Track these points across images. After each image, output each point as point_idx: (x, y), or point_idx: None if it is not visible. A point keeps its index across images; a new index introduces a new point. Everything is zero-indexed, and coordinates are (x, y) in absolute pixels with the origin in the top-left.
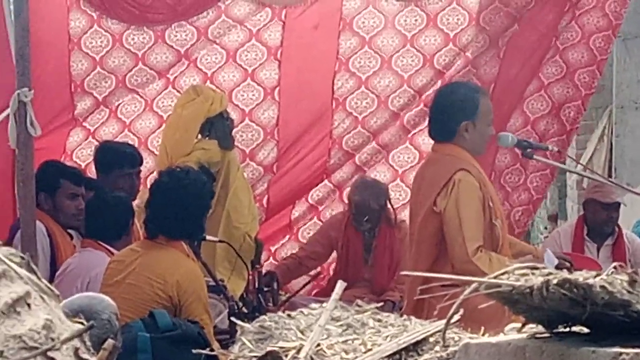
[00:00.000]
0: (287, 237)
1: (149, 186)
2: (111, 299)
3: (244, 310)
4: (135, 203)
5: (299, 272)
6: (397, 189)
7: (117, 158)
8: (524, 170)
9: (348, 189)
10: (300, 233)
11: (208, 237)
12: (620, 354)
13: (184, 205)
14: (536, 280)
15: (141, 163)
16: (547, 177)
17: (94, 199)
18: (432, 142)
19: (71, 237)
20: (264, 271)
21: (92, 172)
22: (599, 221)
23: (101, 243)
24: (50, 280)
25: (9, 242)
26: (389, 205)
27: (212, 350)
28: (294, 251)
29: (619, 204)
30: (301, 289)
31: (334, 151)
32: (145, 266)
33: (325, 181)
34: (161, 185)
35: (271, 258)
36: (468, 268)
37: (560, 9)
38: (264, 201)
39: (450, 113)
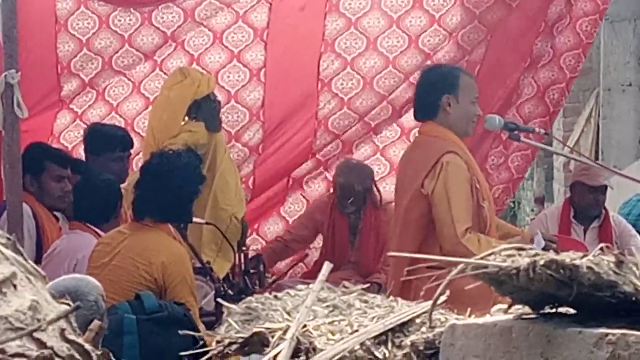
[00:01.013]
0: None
1: (139, 167)
2: (97, 280)
3: (230, 292)
4: (122, 186)
5: (285, 255)
6: (376, 162)
7: (109, 141)
8: (506, 150)
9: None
10: (283, 208)
11: (195, 219)
12: (607, 334)
13: (174, 189)
14: (523, 261)
15: (132, 146)
16: (527, 157)
17: (83, 181)
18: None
19: (57, 219)
20: (250, 254)
21: (79, 155)
22: (586, 204)
23: (89, 225)
24: (36, 262)
25: None
26: (374, 188)
27: (198, 331)
28: (276, 226)
29: (605, 187)
30: (288, 271)
31: (319, 132)
32: (131, 248)
33: (326, 173)
34: (152, 167)
35: (254, 233)
36: (457, 249)
37: None
38: (250, 182)
39: (431, 89)
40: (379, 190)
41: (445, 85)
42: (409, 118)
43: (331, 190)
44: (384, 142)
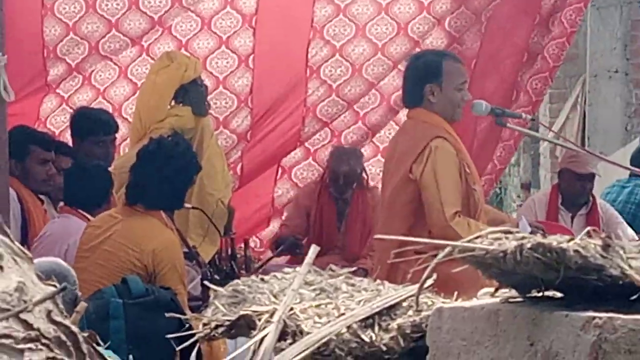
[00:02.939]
0: (277, 220)
1: (136, 152)
2: (86, 263)
3: (217, 277)
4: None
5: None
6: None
7: (91, 125)
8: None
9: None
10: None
11: None
12: (594, 318)
13: (169, 177)
14: (510, 244)
15: (116, 130)
16: (510, 148)
17: (74, 167)
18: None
19: (42, 202)
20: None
21: (66, 139)
22: (573, 191)
23: (80, 211)
24: (22, 245)
25: None
26: (363, 170)
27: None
28: (275, 228)
29: (593, 175)
30: (273, 256)
31: (308, 119)
32: (122, 233)
33: (310, 159)
34: (148, 153)
35: (259, 243)
36: (446, 233)
37: None
38: (238, 169)
39: (415, 78)
40: (366, 172)
41: (428, 74)
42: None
43: (319, 176)
44: (383, 142)
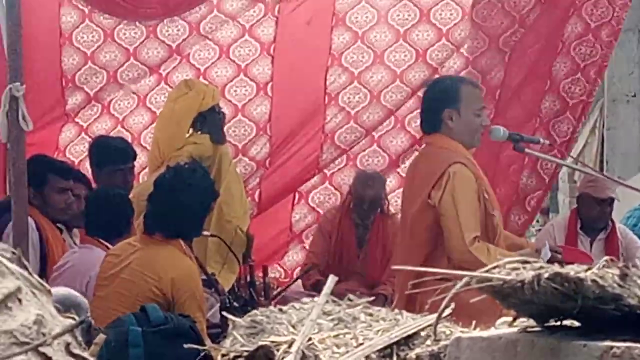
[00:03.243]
0: (294, 245)
1: (154, 181)
2: (105, 292)
3: (235, 304)
4: None
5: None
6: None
7: (109, 154)
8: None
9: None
10: (307, 241)
11: None
12: (612, 347)
13: (187, 206)
14: (527, 274)
15: (134, 158)
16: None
17: (95, 195)
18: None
19: (61, 231)
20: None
21: (85, 168)
22: (593, 216)
23: (101, 241)
24: (41, 275)
25: None
26: (385, 196)
27: (203, 344)
28: (296, 255)
29: (612, 199)
30: (292, 282)
31: (326, 146)
32: (141, 262)
33: (327, 183)
34: (166, 182)
35: (278, 267)
36: (466, 258)
37: (564, 14)
38: (256, 196)
39: (433, 103)
40: (387, 198)
41: (446, 99)
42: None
43: (338, 201)
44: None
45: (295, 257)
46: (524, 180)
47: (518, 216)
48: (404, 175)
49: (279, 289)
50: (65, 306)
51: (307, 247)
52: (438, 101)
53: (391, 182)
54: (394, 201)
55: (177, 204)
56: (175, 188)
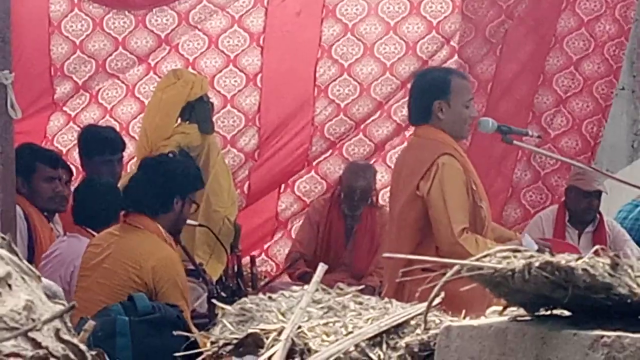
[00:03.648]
0: (280, 234)
1: (139, 162)
2: (88, 282)
3: (223, 294)
4: None
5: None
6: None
7: (98, 144)
8: (547, 188)
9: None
10: (293, 229)
11: (187, 221)
12: (602, 336)
13: (164, 183)
14: (518, 263)
15: (123, 149)
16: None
17: (84, 185)
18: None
19: (48, 219)
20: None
21: (73, 157)
22: (580, 208)
23: (89, 230)
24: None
25: None
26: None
27: (191, 333)
28: (286, 248)
29: (600, 192)
30: (280, 273)
31: (315, 138)
32: (121, 251)
33: (312, 172)
34: (150, 162)
35: (263, 254)
36: (454, 249)
37: (556, 8)
38: (245, 188)
39: (423, 95)
40: (376, 190)
41: (436, 90)
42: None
43: (324, 190)
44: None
45: (286, 250)
46: (518, 174)
47: (514, 210)
48: (392, 166)
49: (267, 279)
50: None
51: (293, 236)
52: (428, 92)
53: (381, 174)
54: (383, 193)
55: (155, 181)
56: (157, 169)
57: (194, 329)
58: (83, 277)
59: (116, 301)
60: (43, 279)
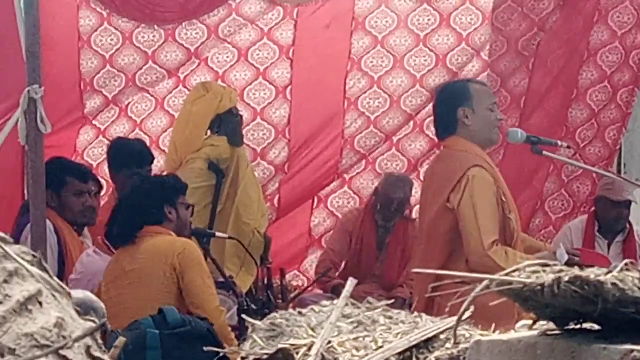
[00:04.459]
0: (319, 253)
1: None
2: (116, 293)
3: (253, 306)
4: None
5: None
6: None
7: (125, 157)
8: (570, 196)
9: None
10: (323, 241)
11: (218, 234)
12: (632, 351)
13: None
14: (547, 277)
15: (152, 162)
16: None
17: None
18: None
19: (79, 233)
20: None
21: (104, 172)
22: (610, 218)
23: (111, 248)
24: (59, 278)
25: (15, 239)
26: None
27: (222, 347)
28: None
29: (630, 202)
30: (311, 285)
31: (346, 151)
32: (143, 251)
33: (346, 187)
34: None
35: (295, 270)
36: (484, 262)
37: (588, 19)
38: (275, 201)
39: (446, 106)
40: (410, 204)
41: (458, 98)
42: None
43: (357, 205)
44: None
45: (311, 259)
46: (548, 187)
47: (538, 219)
48: None
49: (297, 292)
50: (81, 310)
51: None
52: (451, 102)
53: (415, 190)
54: (416, 208)
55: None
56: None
57: (226, 327)
58: (108, 289)
59: (149, 307)
60: (86, 292)
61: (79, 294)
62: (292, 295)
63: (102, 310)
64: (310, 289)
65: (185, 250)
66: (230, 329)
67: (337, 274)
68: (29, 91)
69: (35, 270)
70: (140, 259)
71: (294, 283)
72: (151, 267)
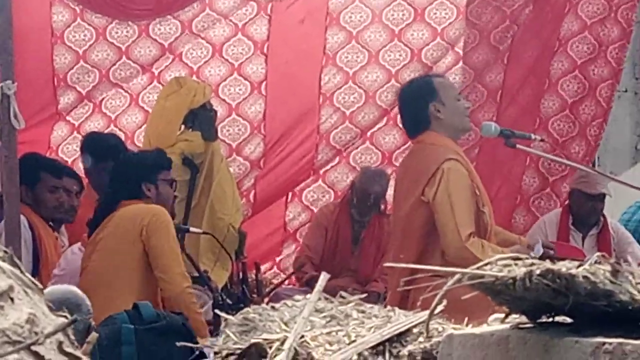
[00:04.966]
0: (292, 248)
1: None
2: (93, 258)
3: (228, 301)
4: None
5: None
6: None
7: (100, 151)
8: (555, 195)
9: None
10: (298, 235)
11: (192, 229)
12: (603, 343)
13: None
14: (519, 270)
15: None
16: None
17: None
18: None
19: (54, 229)
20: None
21: (78, 167)
22: (584, 211)
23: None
24: (33, 274)
25: None
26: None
27: (196, 342)
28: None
29: (604, 195)
30: (285, 279)
31: (321, 147)
32: (114, 222)
33: (320, 181)
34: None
35: (275, 267)
36: (462, 254)
37: (559, 10)
38: (251, 196)
39: (416, 103)
40: (385, 198)
41: (426, 95)
42: None
43: (332, 199)
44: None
45: (287, 253)
46: (526, 181)
47: (522, 217)
48: None
49: (272, 286)
50: (65, 305)
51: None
52: (420, 99)
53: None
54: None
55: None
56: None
57: (197, 308)
58: (83, 260)
59: (118, 276)
60: (72, 288)
61: (65, 289)
62: (267, 290)
63: (87, 306)
64: (285, 283)
65: (153, 216)
66: (197, 305)
67: (313, 269)
68: (1, 87)
69: (6, 266)
70: (108, 227)
71: (270, 278)
72: (119, 234)
